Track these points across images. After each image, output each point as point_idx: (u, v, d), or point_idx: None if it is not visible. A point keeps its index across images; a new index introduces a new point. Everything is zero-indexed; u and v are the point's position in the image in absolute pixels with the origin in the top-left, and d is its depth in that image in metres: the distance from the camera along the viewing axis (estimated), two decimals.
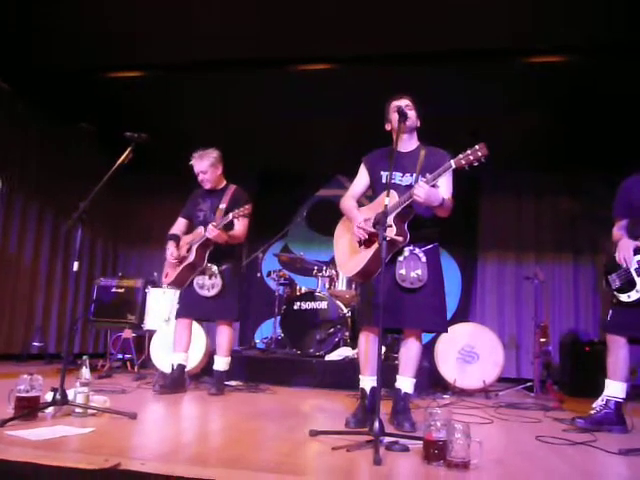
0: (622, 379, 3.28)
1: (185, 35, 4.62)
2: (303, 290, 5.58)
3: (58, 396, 2.80)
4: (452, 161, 2.76)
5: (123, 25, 4.53)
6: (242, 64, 5.03)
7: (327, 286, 5.61)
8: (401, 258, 3.02)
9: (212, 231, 4.02)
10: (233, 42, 4.67)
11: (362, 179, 3.33)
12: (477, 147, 2.67)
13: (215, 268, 4.21)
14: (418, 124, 3.22)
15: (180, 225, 4.51)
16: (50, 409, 2.80)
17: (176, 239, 4.39)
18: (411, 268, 3.00)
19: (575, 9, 4.07)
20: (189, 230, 4.49)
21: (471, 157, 2.67)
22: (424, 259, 3.02)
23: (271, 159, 6.74)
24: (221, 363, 4.29)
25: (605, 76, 4.84)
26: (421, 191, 2.80)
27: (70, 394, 2.86)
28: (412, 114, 3.15)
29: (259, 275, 6.45)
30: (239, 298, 4.35)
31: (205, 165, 4.25)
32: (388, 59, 4.88)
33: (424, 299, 3.02)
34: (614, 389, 3.27)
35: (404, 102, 3.15)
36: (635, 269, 3.22)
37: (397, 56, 4.86)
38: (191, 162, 4.28)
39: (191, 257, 4.19)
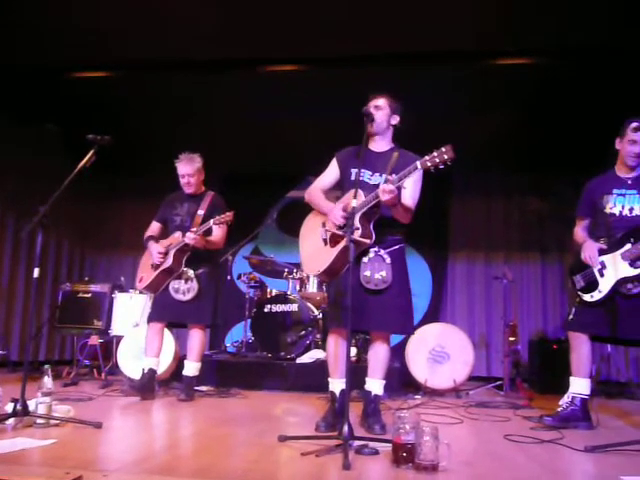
0: (586, 376, 3.34)
1: (152, 36, 4.54)
2: (274, 293, 5.54)
3: (19, 407, 2.71)
4: (418, 162, 2.73)
5: (90, 24, 4.42)
6: (209, 65, 4.96)
7: (298, 288, 5.58)
8: (366, 259, 3.01)
9: (192, 238, 4.01)
10: (200, 42, 4.61)
11: (332, 173, 3.30)
12: (443, 149, 2.65)
13: (191, 272, 4.18)
14: (393, 123, 3.21)
15: (154, 229, 4.44)
16: (10, 420, 2.72)
17: (155, 240, 4.33)
18: (375, 270, 2.99)
19: (541, 12, 4.12)
20: (163, 234, 4.43)
21: (437, 159, 2.65)
22: (389, 260, 3.02)
23: (240, 160, 6.67)
24: (191, 368, 4.24)
25: (572, 78, 4.90)
26: (388, 188, 2.79)
27: (31, 404, 2.78)
28: (381, 115, 3.14)
29: (229, 278, 6.37)
30: (215, 303, 4.30)
31: (194, 168, 4.27)
32: (357, 60, 4.87)
33: (389, 301, 3.01)
34: (579, 386, 3.33)
35: (376, 102, 3.15)
36: (598, 270, 3.29)
37: (366, 57, 4.85)
38: (177, 164, 4.26)
39: (168, 262, 4.14)
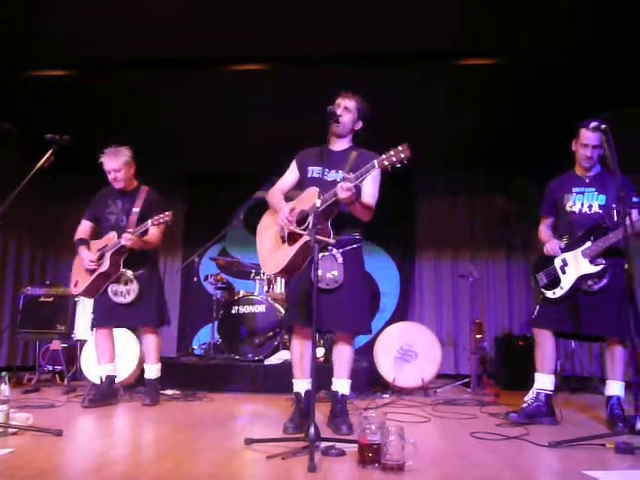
0: (550, 372, 3.39)
1: (113, 33, 4.44)
2: (241, 294, 5.49)
3: None
4: (375, 161, 2.73)
5: (46, 21, 4.31)
6: (172, 63, 4.86)
7: (265, 289, 5.55)
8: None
9: (128, 239, 3.83)
10: (163, 41, 4.52)
11: (292, 175, 3.30)
12: (400, 148, 2.66)
13: (130, 273, 4.01)
14: (357, 127, 3.22)
15: (85, 228, 4.24)
16: None
17: (87, 244, 4.14)
18: (327, 269, 2.99)
19: (506, 14, 4.18)
20: (95, 233, 4.25)
21: (394, 158, 2.66)
22: (341, 260, 3.02)
23: (205, 161, 6.59)
24: (152, 371, 4.14)
25: (538, 79, 4.96)
26: (346, 186, 2.77)
27: None
28: (348, 118, 3.15)
29: (196, 279, 6.30)
30: (159, 302, 4.18)
31: (120, 163, 4.03)
32: (325, 59, 4.85)
33: (340, 301, 3.01)
34: (543, 382, 3.38)
35: (346, 103, 3.15)
36: (560, 267, 3.36)
37: (334, 57, 4.84)
38: (101, 159, 4.05)
39: (105, 265, 3.93)
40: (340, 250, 3.03)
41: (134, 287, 4.00)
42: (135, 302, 4.01)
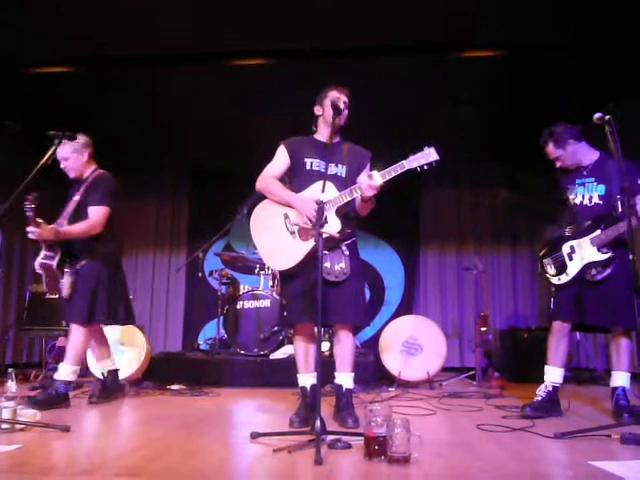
0: (561, 365, 3.38)
1: (113, 29, 4.43)
2: (246, 289, 5.50)
3: None
4: (405, 162, 2.77)
5: (48, 18, 4.31)
6: (172, 59, 4.85)
7: (270, 284, 5.55)
8: (325, 251, 3.00)
9: (31, 233, 3.52)
10: (164, 36, 4.51)
11: (283, 162, 3.25)
12: (427, 152, 2.73)
13: (67, 267, 3.73)
14: (345, 122, 3.21)
15: None
16: None
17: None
18: (335, 261, 3.00)
19: (508, 6, 4.16)
20: None
21: (422, 160, 2.74)
22: (347, 252, 3.03)
23: (208, 156, 6.58)
24: (62, 371, 3.69)
25: (541, 70, 4.95)
26: (375, 185, 2.80)
27: None
28: (345, 113, 3.16)
29: (200, 275, 6.31)
30: (93, 297, 3.73)
31: (67, 151, 3.75)
32: (325, 53, 4.84)
33: (348, 293, 3.02)
34: (553, 375, 3.37)
35: (345, 99, 3.16)
36: (567, 253, 3.36)
37: (334, 50, 4.82)
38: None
39: (38, 259, 3.72)
40: (344, 243, 3.04)
41: (66, 280, 3.71)
42: (70, 297, 3.72)
